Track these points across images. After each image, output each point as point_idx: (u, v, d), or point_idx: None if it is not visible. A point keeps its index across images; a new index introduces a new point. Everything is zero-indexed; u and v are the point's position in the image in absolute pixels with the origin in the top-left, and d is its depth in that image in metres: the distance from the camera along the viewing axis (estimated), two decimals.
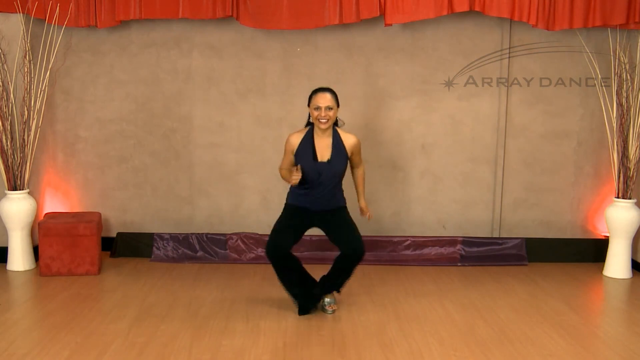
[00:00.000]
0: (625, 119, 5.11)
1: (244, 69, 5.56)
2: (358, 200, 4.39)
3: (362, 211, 4.38)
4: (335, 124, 4.16)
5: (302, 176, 4.03)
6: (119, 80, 5.57)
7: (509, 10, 4.96)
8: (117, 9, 5.05)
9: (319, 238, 5.42)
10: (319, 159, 4.07)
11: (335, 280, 4.23)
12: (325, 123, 4.00)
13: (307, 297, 4.24)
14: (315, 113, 4.01)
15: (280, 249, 4.10)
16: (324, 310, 4.27)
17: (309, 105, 4.09)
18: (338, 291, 4.31)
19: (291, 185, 4.13)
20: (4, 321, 4.03)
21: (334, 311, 4.25)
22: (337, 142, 4.09)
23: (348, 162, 4.21)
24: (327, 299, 4.28)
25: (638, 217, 5.11)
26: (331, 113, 4.00)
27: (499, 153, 5.63)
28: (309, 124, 4.17)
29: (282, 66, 5.53)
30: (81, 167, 5.65)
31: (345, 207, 4.26)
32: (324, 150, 4.08)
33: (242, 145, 5.65)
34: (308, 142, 4.08)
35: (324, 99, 4.00)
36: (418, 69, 5.55)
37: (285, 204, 4.25)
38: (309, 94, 4.12)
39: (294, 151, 4.11)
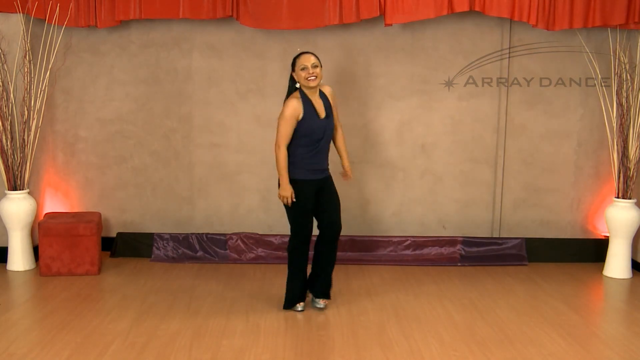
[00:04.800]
0: (625, 119, 5.11)
1: (244, 69, 5.57)
2: (342, 162, 4.44)
3: (345, 173, 4.46)
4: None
5: (310, 137, 4.12)
6: (119, 80, 5.57)
7: (509, 10, 4.96)
8: (117, 9, 5.05)
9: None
10: (320, 117, 4.15)
11: (322, 274, 4.31)
12: (314, 80, 4.08)
13: (302, 291, 4.31)
14: (303, 73, 4.08)
15: (309, 235, 4.23)
16: (314, 303, 4.32)
17: (293, 69, 4.14)
18: (328, 297, 4.37)
19: (298, 157, 4.15)
20: (4, 321, 4.03)
21: (325, 305, 4.30)
22: (324, 98, 4.23)
23: None
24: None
25: (638, 217, 5.11)
26: (318, 70, 4.09)
27: (498, 153, 5.63)
28: (294, 89, 4.18)
29: (282, 66, 5.53)
30: (81, 167, 5.65)
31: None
32: (320, 108, 4.17)
33: (242, 145, 5.65)
34: (309, 104, 4.14)
35: (309, 59, 4.09)
36: (418, 69, 5.55)
37: (296, 181, 4.14)
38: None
39: (299, 116, 4.10)
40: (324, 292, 4.35)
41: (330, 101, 4.25)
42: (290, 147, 4.15)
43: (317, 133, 4.13)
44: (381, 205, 5.72)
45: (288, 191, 4.12)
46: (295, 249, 4.24)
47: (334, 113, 4.29)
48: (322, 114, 4.17)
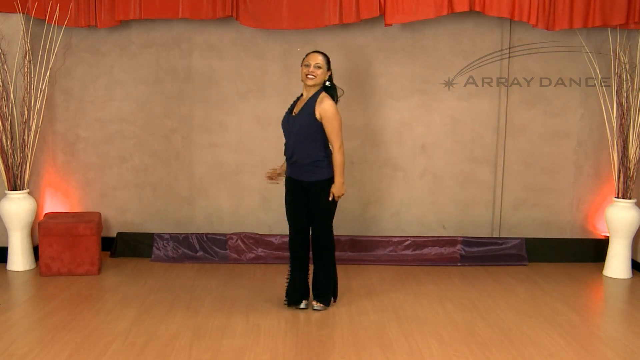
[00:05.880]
0: (625, 119, 5.11)
1: (244, 69, 5.57)
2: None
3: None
4: (328, 89, 4.21)
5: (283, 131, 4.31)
6: (119, 80, 5.57)
7: (509, 10, 4.96)
8: (117, 9, 5.05)
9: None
10: (293, 113, 4.23)
11: (314, 277, 4.33)
12: (312, 79, 4.13)
13: (302, 287, 4.33)
14: (305, 70, 4.15)
15: (293, 228, 4.31)
16: (312, 306, 4.32)
17: (302, 65, 4.22)
18: (325, 303, 4.33)
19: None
20: (4, 321, 4.03)
21: (321, 308, 4.29)
22: (311, 100, 4.15)
23: (319, 125, 4.09)
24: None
25: (638, 217, 5.11)
26: (319, 72, 4.13)
27: (499, 153, 5.63)
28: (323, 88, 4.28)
29: (282, 66, 5.53)
30: (81, 167, 5.65)
31: (324, 180, 4.15)
32: (299, 106, 4.22)
33: (242, 145, 5.65)
34: (295, 101, 4.29)
35: (315, 58, 4.15)
36: (418, 69, 5.55)
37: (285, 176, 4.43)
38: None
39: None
40: (316, 295, 4.33)
41: (317, 114, 4.07)
42: None
43: (284, 126, 4.27)
44: (381, 205, 5.72)
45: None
46: (289, 240, 4.37)
47: (327, 132, 4.09)
48: (297, 111, 4.22)
